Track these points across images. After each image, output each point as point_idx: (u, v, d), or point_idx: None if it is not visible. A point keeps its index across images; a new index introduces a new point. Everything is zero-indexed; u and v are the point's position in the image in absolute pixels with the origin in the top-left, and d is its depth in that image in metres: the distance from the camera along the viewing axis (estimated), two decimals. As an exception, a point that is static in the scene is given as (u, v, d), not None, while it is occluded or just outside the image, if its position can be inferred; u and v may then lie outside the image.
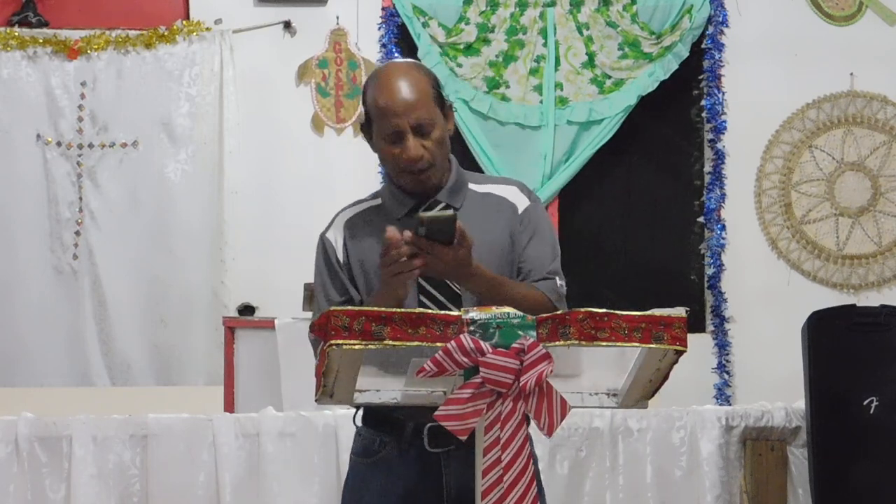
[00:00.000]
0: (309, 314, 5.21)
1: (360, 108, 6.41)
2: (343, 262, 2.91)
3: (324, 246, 2.95)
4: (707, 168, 6.67)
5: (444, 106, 2.87)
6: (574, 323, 2.37)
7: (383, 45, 6.54)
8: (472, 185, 2.94)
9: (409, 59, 3.15)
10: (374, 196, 3.00)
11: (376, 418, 2.87)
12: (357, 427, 2.93)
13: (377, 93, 2.83)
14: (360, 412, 2.89)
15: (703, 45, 6.64)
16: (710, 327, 6.60)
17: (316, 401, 2.54)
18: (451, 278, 2.76)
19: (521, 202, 2.92)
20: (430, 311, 2.45)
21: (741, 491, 4.53)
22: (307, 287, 5.50)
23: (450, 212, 2.68)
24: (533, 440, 2.92)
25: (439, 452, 2.78)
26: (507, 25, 6.58)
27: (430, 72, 2.91)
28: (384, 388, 2.58)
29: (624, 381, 2.59)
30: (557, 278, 2.88)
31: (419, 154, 2.80)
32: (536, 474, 2.88)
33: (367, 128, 2.91)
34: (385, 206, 2.93)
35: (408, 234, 2.63)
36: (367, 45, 6.56)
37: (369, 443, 2.89)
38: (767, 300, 6.57)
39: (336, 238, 2.93)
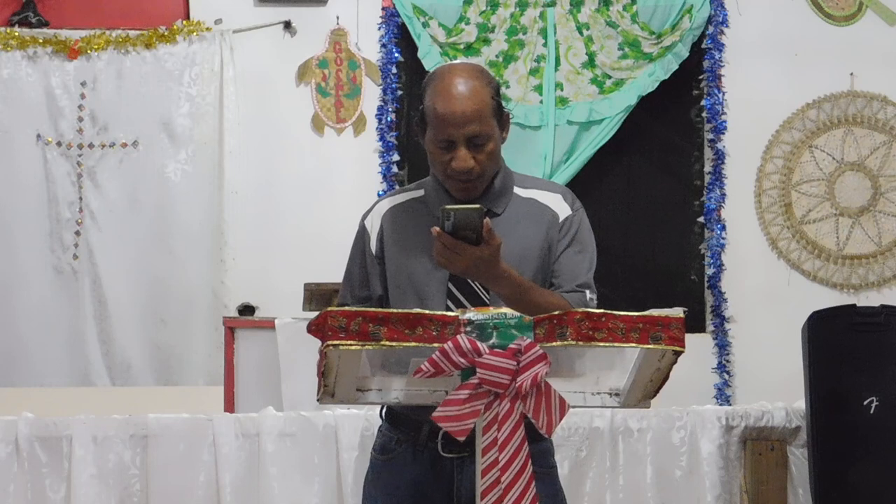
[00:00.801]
0: (309, 314, 5.21)
1: (360, 108, 6.50)
2: (376, 254, 2.88)
3: (360, 232, 2.93)
4: (707, 168, 6.66)
5: (501, 116, 2.81)
6: (571, 323, 2.37)
7: (383, 45, 6.54)
8: (517, 189, 2.89)
9: (473, 63, 3.01)
10: (419, 186, 2.95)
11: (396, 416, 2.87)
12: (381, 421, 2.92)
13: (435, 97, 2.77)
14: (385, 406, 2.87)
15: (703, 45, 6.63)
16: (710, 327, 6.59)
17: (318, 400, 2.54)
18: (476, 278, 2.73)
19: (563, 211, 2.88)
20: (426, 311, 2.44)
21: (741, 491, 4.53)
22: (307, 287, 5.50)
23: (476, 205, 2.64)
24: (554, 451, 2.93)
25: (453, 458, 2.78)
26: (507, 25, 6.58)
27: (493, 80, 2.83)
28: (386, 388, 2.57)
29: (625, 381, 2.59)
30: (588, 291, 2.85)
31: (469, 166, 2.76)
32: (557, 483, 2.89)
33: (420, 124, 2.84)
34: (427, 199, 2.89)
35: (434, 229, 2.61)
36: (367, 45, 6.56)
37: (387, 440, 2.89)
38: (767, 300, 6.56)
39: (373, 226, 2.91)
